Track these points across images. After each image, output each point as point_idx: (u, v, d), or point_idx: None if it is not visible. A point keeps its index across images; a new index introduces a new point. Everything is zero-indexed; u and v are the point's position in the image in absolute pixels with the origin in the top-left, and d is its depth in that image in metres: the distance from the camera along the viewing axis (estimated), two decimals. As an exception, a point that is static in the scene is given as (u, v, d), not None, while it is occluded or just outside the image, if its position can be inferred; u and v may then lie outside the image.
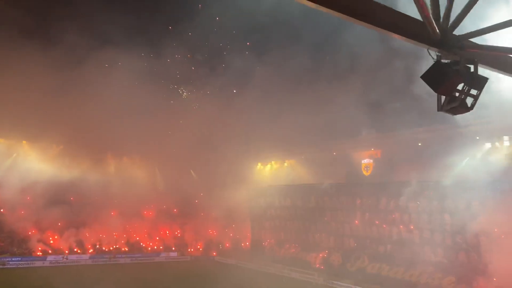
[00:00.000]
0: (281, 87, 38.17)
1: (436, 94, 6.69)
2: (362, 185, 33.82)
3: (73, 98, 37.99)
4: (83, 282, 30.91)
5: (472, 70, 6.51)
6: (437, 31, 6.14)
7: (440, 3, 6.29)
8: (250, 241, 44.20)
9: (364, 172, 35.00)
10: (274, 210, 41.09)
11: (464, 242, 25.31)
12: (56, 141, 41.62)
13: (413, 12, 6.09)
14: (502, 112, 18.71)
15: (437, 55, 6.50)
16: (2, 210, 42.08)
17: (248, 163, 44.66)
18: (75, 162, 42.01)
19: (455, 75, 6.29)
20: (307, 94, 37.07)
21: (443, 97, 6.67)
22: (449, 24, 6.35)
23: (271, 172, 45.24)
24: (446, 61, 6.46)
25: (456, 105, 6.53)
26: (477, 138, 25.98)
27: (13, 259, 39.59)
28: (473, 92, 6.53)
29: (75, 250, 42.50)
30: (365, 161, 35.05)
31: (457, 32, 6.50)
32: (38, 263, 39.99)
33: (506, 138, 25.47)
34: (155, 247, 45.75)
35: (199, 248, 46.69)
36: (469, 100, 6.58)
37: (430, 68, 6.36)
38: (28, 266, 39.31)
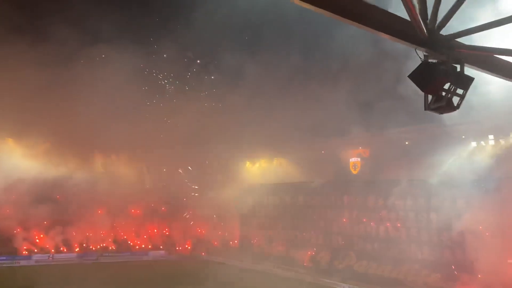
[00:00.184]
0: (270, 86, 38.20)
1: (423, 93, 6.76)
2: (350, 183, 34.05)
3: (60, 94, 37.49)
4: (69, 282, 30.57)
5: (458, 70, 6.59)
6: (425, 31, 6.19)
7: (428, 3, 6.35)
8: (238, 239, 44.21)
9: (352, 171, 35.22)
10: (262, 208, 41.18)
11: (449, 240, 25.67)
12: (42, 138, 41.04)
13: (401, 12, 6.13)
14: (488, 112, 18.99)
15: (424, 55, 6.56)
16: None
17: (237, 161, 44.63)
18: (61, 159, 41.46)
19: (441, 75, 6.36)
20: (296, 93, 37.16)
21: (430, 96, 6.74)
22: (436, 24, 6.42)
23: (259, 170, 45.22)
24: (433, 60, 6.53)
25: (442, 104, 6.60)
26: (463, 137, 26.33)
27: (-2, 258, 39.07)
28: (459, 91, 6.62)
29: (62, 249, 42.02)
30: (353, 159, 35.28)
31: (445, 32, 6.57)
32: (24, 262, 39.46)
33: (491, 137, 25.85)
34: (143, 246, 45.46)
35: (187, 247, 46.53)
36: (455, 100, 6.66)
37: (417, 67, 6.42)
38: (13, 265, 38.76)
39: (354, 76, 32.93)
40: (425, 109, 6.85)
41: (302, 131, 35.92)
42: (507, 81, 8.03)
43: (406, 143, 30.80)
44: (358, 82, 32.92)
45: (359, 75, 32.80)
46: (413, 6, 5.85)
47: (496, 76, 7.68)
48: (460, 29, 6.67)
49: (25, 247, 40.83)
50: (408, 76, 6.43)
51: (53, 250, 41.51)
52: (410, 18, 6.02)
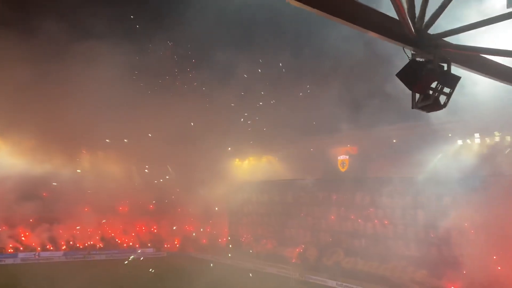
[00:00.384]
0: (259, 84, 38.18)
1: (410, 92, 6.81)
2: (338, 181, 34.29)
3: (46, 90, 36.96)
4: (55, 280, 30.23)
5: (445, 68, 6.65)
6: (412, 30, 6.23)
7: (416, 3, 6.39)
8: (227, 236, 44.22)
9: (340, 168, 35.45)
10: (251, 205, 41.26)
11: (436, 237, 26.02)
12: (28, 134, 40.46)
13: (389, 10, 6.16)
14: (474, 111, 19.26)
15: (412, 54, 6.61)
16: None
17: (225, 158, 44.56)
18: (48, 156, 40.94)
19: (429, 74, 6.42)
20: (285, 91, 37.24)
21: (417, 95, 6.80)
22: (424, 24, 6.46)
23: (248, 167, 45.26)
24: (420, 59, 6.58)
25: (429, 103, 6.66)
26: (450, 135, 26.66)
27: (-18, 256, 38.52)
28: (446, 90, 6.68)
29: (48, 246, 41.54)
30: (342, 157, 35.50)
31: (432, 31, 6.62)
32: (9, 261, 38.91)
33: (477, 135, 26.22)
34: (131, 243, 45.18)
35: (176, 244, 46.39)
36: (442, 98, 6.73)
37: (405, 66, 6.46)
38: (-2, 263, 38.28)
39: (342, 74, 33.09)
40: (412, 108, 6.90)
41: (291, 129, 36.04)
42: (493, 81, 8.14)
43: (394, 141, 31.09)
44: (347, 81, 33.10)
45: (347, 73, 32.96)
46: (402, 5, 5.88)
47: (482, 75, 7.77)
48: (448, 29, 6.73)
49: (10, 245, 40.27)
50: (396, 75, 6.46)
51: (39, 248, 41.02)
52: (398, 17, 6.05)
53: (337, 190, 33.38)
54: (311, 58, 37.14)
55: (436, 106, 6.71)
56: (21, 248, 40.61)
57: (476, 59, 7.46)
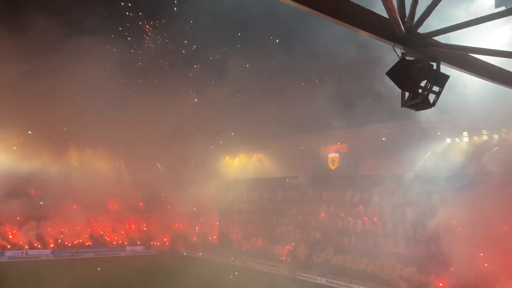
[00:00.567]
0: (250, 81, 38.12)
1: (400, 90, 6.85)
2: (328, 178, 34.45)
3: (35, 86, 36.49)
4: (43, 278, 29.90)
5: (435, 67, 6.70)
6: (402, 29, 6.27)
7: (406, 2, 6.43)
8: (217, 234, 44.19)
9: (331, 166, 35.62)
10: (241, 203, 41.24)
11: (424, 234, 26.27)
12: (16, 131, 39.93)
13: (379, 9, 6.19)
14: (463, 109, 19.46)
15: (402, 52, 6.64)
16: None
17: (216, 156, 44.49)
18: (35, 153, 40.46)
19: (418, 72, 6.46)
20: (276, 89, 37.25)
21: (406, 94, 6.84)
22: (414, 23, 6.50)
23: (239, 165, 45.25)
24: (410, 58, 6.62)
25: (418, 102, 6.71)
26: (438, 134, 26.92)
27: (-31, 254, 37.99)
28: (435, 89, 6.74)
29: (36, 244, 41.10)
30: (332, 155, 35.67)
31: (422, 30, 6.66)
32: (-4, 259, 38.48)
33: (465, 134, 26.52)
34: (120, 241, 44.92)
35: (166, 242, 46.24)
36: (431, 97, 6.78)
37: (395, 65, 6.50)
38: (-15, 262, 37.77)
39: (333, 73, 33.20)
40: (402, 106, 6.94)
41: (281, 126, 36.09)
42: (481, 81, 8.23)
43: (383, 139, 31.32)
44: (337, 79, 33.22)
45: (338, 72, 33.08)
46: (392, 4, 5.91)
47: (471, 74, 7.85)
48: (438, 28, 6.78)
49: (-3, 243, 39.82)
50: (386, 73, 6.50)
51: (27, 246, 40.55)
52: (388, 16, 6.08)
53: (327, 188, 33.53)
54: (302, 56, 37.20)
55: (425, 104, 6.76)
56: (9, 247, 40.11)
57: (465, 58, 7.53)
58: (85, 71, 36.08)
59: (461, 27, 6.67)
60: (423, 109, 6.99)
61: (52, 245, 41.68)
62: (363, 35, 6.47)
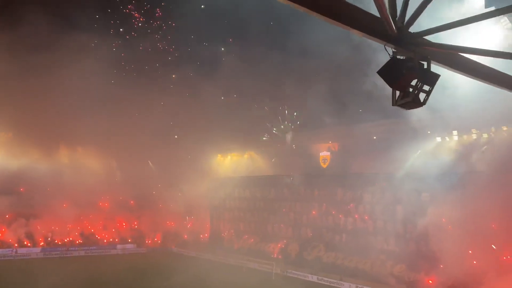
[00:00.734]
0: (242, 80, 38.11)
1: (391, 89, 6.90)
2: (320, 177, 34.57)
3: (25, 83, 36.12)
4: (32, 277, 29.63)
5: (425, 66, 6.76)
6: (394, 28, 6.31)
7: (397, 1, 6.47)
8: (209, 232, 44.13)
9: (322, 164, 35.78)
10: (233, 201, 41.23)
11: (414, 232, 26.49)
12: (5, 128, 39.49)
13: (371, 8, 6.23)
14: (452, 108, 19.65)
15: (393, 51, 6.69)
16: None
17: (208, 154, 44.41)
18: (25, 150, 40.04)
19: (409, 71, 6.51)
20: (267, 87, 37.31)
21: (397, 92, 6.89)
22: (405, 22, 6.55)
23: (230, 163, 45.23)
24: (401, 57, 6.67)
25: (409, 100, 6.76)
26: (429, 132, 27.15)
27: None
28: (426, 88, 6.79)
29: (25, 243, 40.70)
30: (323, 153, 35.84)
31: (413, 29, 6.72)
32: (-16, 257, 38.03)
33: (455, 133, 26.78)
34: (111, 239, 44.65)
35: (157, 240, 46.08)
36: (422, 96, 6.83)
37: (386, 63, 6.54)
38: (-27, 260, 37.32)
39: (324, 72, 33.33)
40: (392, 105, 6.99)
41: (273, 125, 36.19)
42: (471, 81, 8.32)
43: (374, 137, 31.52)
44: (329, 78, 33.35)
45: (329, 71, 33.22)
46: (383, 3, 5.94)
47: (461, 74, 7.92)
48: (429, 27, 6.83)
49: (-14, 242, 39.36)
50: (377, 72, 6.54)
51: (16, 245, 40.14)
52: (380, 15, 6.12)
53: (318, 186, 33.65)
54: (294, 55, 37.29)
55: (415, 103, 6.81)
56: (-2, 245, 39.72)
57: (455, 58, 7.60)
58: (76, 68, 35.80)
59: (451, 27, 6.74)
60: (413, 108, 7.05)
61: (42, 243, 41.31)
62: (354, 33, 6.50)
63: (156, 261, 38.00)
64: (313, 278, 30.23)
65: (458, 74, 7.96)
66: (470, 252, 22.75)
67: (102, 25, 38.62)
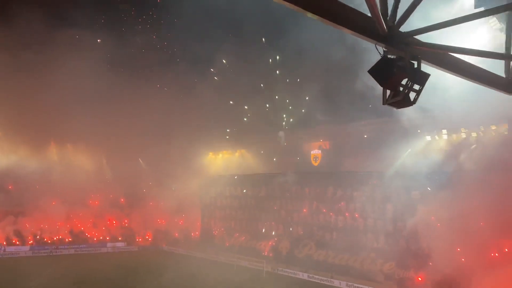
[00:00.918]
0: (233, 78, 38.07)
1: (381, 88, 6.95)
2: (311, 175, 34.69)
3: (13, 80, 35.66)
4: (21, 275, 29.35)
5: (416, 66, 6.81)
6: (385, 27, 6.35)
7: (388, 0, 6.51)
8: (200, 230, 44.07)
9: (313, 163, 35.90)
10: (224, 199, 41.19)
11: (404, 230, 26.72)
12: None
13: (362, 7, 6.25)
14: (442, 108, 19.82)
15: (384, 51, 6.72)
16: None
17: (199, 152, 44.29)
18: (14, 147, 39.59)
19: (399, 71, 6.56)
20: (258, 86, 37.32)
21: (388, 91, 6.94)
22: (396, 21, 6.59)
23: (222, 161, 45.18)
24: (392, 56, 6.71)
25: (400, 99, 6.82)
26: (419, 131, 27.37)
27: None
28: (416, 87, 6.85)
29: (14, 241, 40.27)
30: (314, 151, 35.96)
31: (404, 29, 6.76)
32: (-28, 255, 37.57)
33: (444, 132, 27.04)
34: (101, 237, 44.36)
35: (148, 238, 45.88)
36: (412, 95, 6.89)
37: (376, 63, 6.58)
38: (-39, 258, 36.84)
39: (316, 70, 33.40)
40: (383, 104, 7.04)
41: (264, 123, 36.21)
42: (461, 80, 8.40)
43: (365, 136, 31.71)
44: (320, 77, 33.44)
45: (321, 70, 33.30)
46: (375, 2, 5.97)
47: (451, 73, 8.01)
48: (419, 27, 6.88)
49: (-26, 240, 38.88)
50: (368, 71, 6.58)
51: (4, 243, 39.69)
52: (371, 14, 6.15)
53: (309, 184, 33.74)
54: (286, 54, 37.32)
55: (406, 102, 6.87)
56: (-14, 243, 39.25)
57: (445, 57, 7.67)
58: (65, 65, 35.43)
59: (441, 27, 6.80)
60: (404, 107, 7.11)
61: (31, 242, 40.91)
62: (346, 32, 6.53)
63: (146, 259, 37.84)
64: (304, 276, 30.35)
65: (448, 73, 8.04)
66: (458, 249, 23.00)
67: (91, 20, 38.28)
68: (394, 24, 6.55)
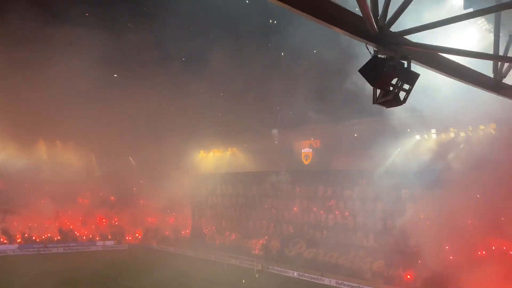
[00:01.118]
0: (225, 77, 37.95)
1: (371, 87, 6.98)
2: (302, 173, 34.79)
3: (1, 77, 35.15)
4: (8, 274, 28.98)
5: (406, 66, 6.85)
6: (375, 27, 6.38)
7: (379, 0, 6.54)
8: (190, 229, 43.95)
9: (304, 161, 36.00)
10: (215, 197, 41.13)
11: (393, 228, 26.94)
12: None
13: (353, 6, 6.28)
14: (432, 107, 19.99)
15: (374, 50, 6.75)
16: None
17: (190, 150, 44.16)
18: (2, 145, 39.05)
19: (389, 70, 6.60)
20: (250, 85, 37.26)
21: (378, 91, 6.97)
22: (386, 21, 6.62)
23: (213, 159, 45.08)
24: (382, 56, 6.74)
25: (389, 99, 6.86)
26: (408, 130, 27.60)
27: None
28: (406, 86, 6.89)
29: (1, 239, 39.78)
30: (305, 150, 36.06)
31: (395, 29, 6.80)
32: (-41, 254, 37.01)
33: (433, 131, 27.31)
34: (91, 236, 44.02)
35: (138, 236, 45.65)
36: (402, 94, 6.93)
37: (367, 62, 6.60)
38: None
39: (307, 70, 33.47)
40: (373, 103, 7.07)
41: (255, 121, 36.18)
42: (450, 80, 8.48)
43: (355, 135, 31.89)
44: (312, 76, 33.51)
45: (312, 69, 33.38)
46: (365, 2, 6.00)
47: (440, 73, 8.07)
48: (410, 27, 6.92)
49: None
50: (359, 71, 6.60)
51: (-7, 241, 39.24)
52: (362, 14, 6.17)
53: (300, 182, 33.84)
54: (278, 52, 37.32)
55: (396, 102, 6.91)
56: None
57: (435, 57, 7.73)
58: (55, 62, 35.03)
59: (431, 27, 6.85)
60: (394, 106, 7.14)
61: (19, 240, 40.46)
62: (336, 31, 6.55)
63: (136, 258, 37.64)
64: (294, 274, 30.47)
65: (437, 73, 8.11)
66: (447, 247, 23.27)
67: (82, 18, 37.81)
68: (385, 24, 6.58)
